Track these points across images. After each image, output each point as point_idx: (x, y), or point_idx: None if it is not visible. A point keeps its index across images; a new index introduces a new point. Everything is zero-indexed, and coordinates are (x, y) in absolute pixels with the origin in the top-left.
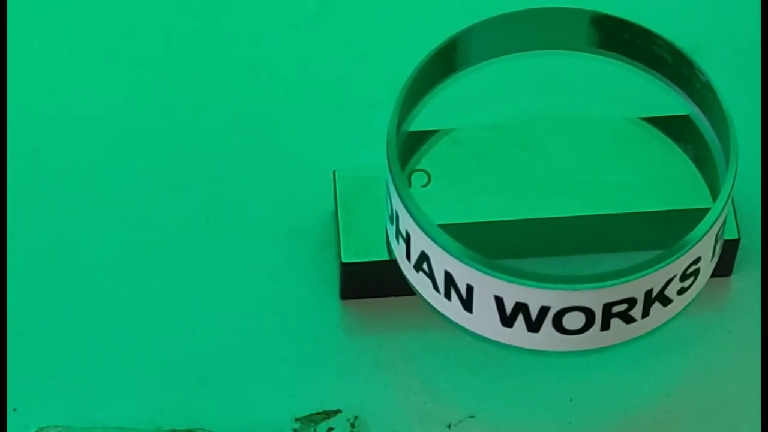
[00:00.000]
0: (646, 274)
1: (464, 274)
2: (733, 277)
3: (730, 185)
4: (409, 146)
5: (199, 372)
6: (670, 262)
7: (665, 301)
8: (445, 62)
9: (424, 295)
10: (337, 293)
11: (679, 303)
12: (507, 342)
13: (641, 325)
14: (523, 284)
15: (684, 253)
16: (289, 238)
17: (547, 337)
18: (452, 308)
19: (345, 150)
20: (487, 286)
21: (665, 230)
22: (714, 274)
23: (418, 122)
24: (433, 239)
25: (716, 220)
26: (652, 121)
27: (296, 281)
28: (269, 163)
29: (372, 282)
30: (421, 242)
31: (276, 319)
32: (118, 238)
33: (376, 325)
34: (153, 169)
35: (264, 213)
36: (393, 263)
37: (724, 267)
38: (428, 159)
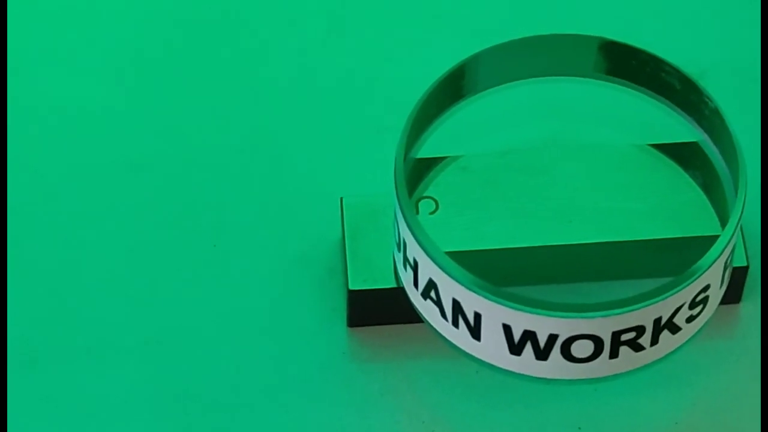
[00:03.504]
0: (655, 302)
1: (472, 302)
2: (742, 304)
3: (739, 212)
4: (417, 173)
5: (204, 399)
6: (679, 290)
7: (674, 328)
8: (452, 89)
9: (432, 323)
10: (344, 320)
11: (688, 331)
12: (515, 370)
13: (650, 353)
14: (531, 312)
15: (693, 281)
16: (296, 265)
17: (556, 365)
18: (460, 336)
19: (352, 177)
20: (495, 314)
21: (674, 257)
22: (723, 302)
23: (426, 149)
24: (440, 267)
25: (725, 247)
26: (661, 147)
27: (303, 308)
28: (276, 190)
29: (379, 309)
30: (428, 270)
31: (282, 347)
32: (124, 264)
33: (383, 353)
34: (160, 196)
35: (271, 240)
36: (400, 291)
37: (733, 294)
38: (436, 186)
